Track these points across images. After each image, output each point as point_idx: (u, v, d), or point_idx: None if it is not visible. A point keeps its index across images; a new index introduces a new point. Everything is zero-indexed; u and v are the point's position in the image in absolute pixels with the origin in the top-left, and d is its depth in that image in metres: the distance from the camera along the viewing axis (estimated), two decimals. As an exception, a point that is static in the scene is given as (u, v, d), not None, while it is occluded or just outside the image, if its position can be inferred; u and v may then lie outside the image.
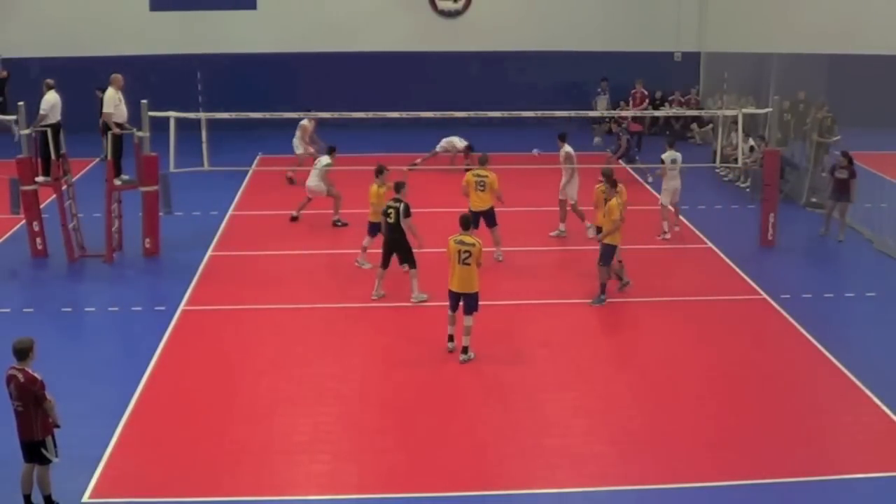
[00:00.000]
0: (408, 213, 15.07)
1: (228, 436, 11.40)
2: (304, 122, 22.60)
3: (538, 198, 20.31)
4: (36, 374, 9.57)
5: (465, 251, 12.95)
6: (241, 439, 11.31)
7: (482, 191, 16.96)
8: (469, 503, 10.16)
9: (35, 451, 9.67)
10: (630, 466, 10.84)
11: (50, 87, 17.46)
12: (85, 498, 10.09)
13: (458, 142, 23.89)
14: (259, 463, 10.79)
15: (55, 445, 9.70)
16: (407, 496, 10.25)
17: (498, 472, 10.71)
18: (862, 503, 10.34)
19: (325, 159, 19.70)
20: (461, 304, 13.24)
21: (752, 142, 22.26)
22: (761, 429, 11.64)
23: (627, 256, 16.24)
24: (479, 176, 17.05)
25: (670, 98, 28.06)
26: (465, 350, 13.28)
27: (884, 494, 10.39)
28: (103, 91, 17.63)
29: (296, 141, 22.76)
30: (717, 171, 23.90)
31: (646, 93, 28.13)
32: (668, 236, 18.83)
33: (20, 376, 9.52)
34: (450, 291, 13.27)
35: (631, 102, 28.20)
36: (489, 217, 17.14)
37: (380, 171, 16.76)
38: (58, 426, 9.68)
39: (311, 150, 22.42)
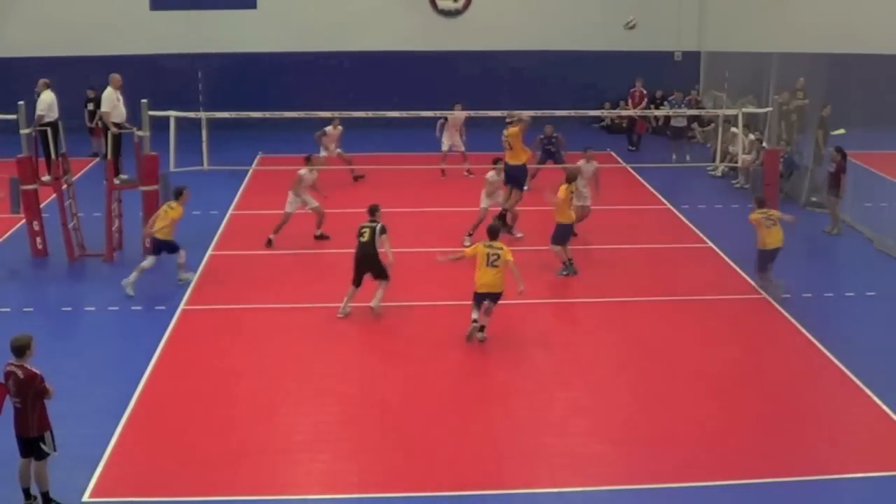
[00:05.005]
0: (384, 231, 14.95)
1: (228, 435, 11.40)
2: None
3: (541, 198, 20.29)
4: (35, 370, 9.58)
5: (494, 254, 13.96)
6: (241, 439, 11.31)
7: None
8: (469, 503, 10.16)
9: (31, 447, 9.68)
10: (630, 466, 10.84)
11: (46, 87, 17.45)
12: (85, 497, 10.09)
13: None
14: (259, 462, 10.80)
15: (53, 440, 9.71)
16: (407, 496, 10.25)
17: (498, 472, 10.70)
18: (862, 503, 10.34)
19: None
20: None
21: (752, 136, 22.26)
22: (761, 428, 11.63)
23: (628, 255, 16.24)
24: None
25: (670, 98, 28.07)
26: (481, 329, 14.08)
27: (884, 494, 10.39)
28: (95, 91, 17.61)
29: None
30: (709, 171, 23.88)
31: (644, 92, 28.13)
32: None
33: (20, 373, 9.53)
34: (476, 293, 14.11)
35: (630, 102, 28.21)
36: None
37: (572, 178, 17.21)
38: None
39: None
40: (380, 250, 14.96)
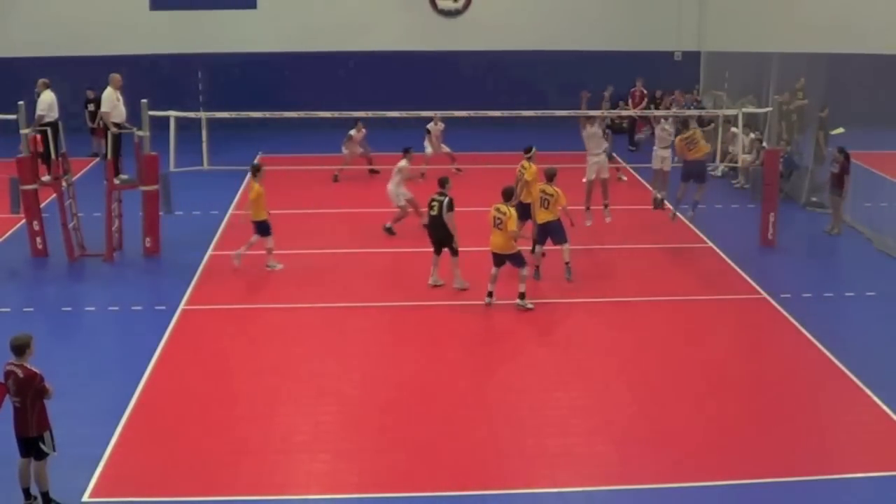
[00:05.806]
0: (451, 208, 15.50)
1: (228, 435, 11.39)
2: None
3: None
4: (34, 369, 9.58)
5: (498, 218, 14.74)
6: (241, 439, 11.31)
7: (546, 208, 16.33)
8: (469, 503, 10.16)
9: (31, 447, 9.68)
10: (630, 466, 10.84)
11: (46, 87, 17.46)
12: (85, 497, 10.08)
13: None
14: (259, 462, 10.79)
15: (52, 439, 9.71)
16: (407, 496, 10.24)
17: (498, 472, 10.70)
18: (862, 503, 10.34)
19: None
20: (506, 263, 15.05)
21: (752, 135, 22.26)
22: (761, 428, 11.63)
23: (629, 255, 16.22)
24: (544, 193, 16.33)
25: (671, 97, 28.08)
26: (521, 296, 15.04)
27: (884, 494, 10.38)
28: (95, 91, 17.67)
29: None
30: (709, 171, 23.85)
31: (645, 92, 28.14)
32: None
33: (19, 372, 9.53)
34: (491, 252, 15.02)
35: (630, 101, 28.21)
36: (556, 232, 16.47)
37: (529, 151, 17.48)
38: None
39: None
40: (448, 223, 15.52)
